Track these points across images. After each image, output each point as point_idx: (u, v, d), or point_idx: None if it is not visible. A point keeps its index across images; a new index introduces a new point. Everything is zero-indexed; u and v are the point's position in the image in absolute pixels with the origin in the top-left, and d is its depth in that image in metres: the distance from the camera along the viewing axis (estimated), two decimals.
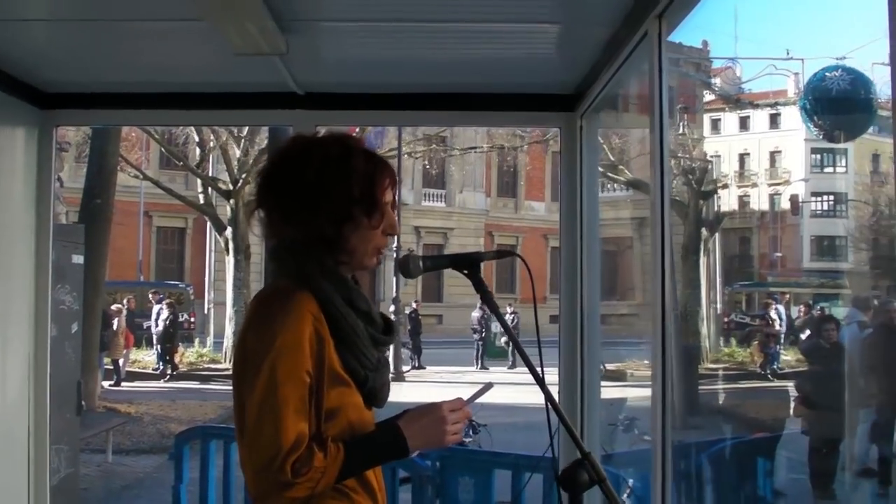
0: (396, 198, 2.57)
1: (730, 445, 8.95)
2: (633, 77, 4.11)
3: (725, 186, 37.75)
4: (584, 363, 4.41)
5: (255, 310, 2.39)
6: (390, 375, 2.61)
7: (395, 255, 26.38)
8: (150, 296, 27.44)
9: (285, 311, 2.31)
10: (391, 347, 2.64)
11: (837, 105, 12.79)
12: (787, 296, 33.04)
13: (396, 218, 2.55)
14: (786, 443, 10.09)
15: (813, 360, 10.83)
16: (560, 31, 3.76)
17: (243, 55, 3.62)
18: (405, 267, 2.48)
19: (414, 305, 30.36)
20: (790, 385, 19.91)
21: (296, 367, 2.28)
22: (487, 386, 2.62)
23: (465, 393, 2.51)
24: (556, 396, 4.48)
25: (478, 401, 2.59)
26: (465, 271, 2.46)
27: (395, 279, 34.83)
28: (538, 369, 2.43)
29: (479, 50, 4.01)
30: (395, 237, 2.60)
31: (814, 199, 54.42)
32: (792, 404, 12.42)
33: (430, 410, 2.45)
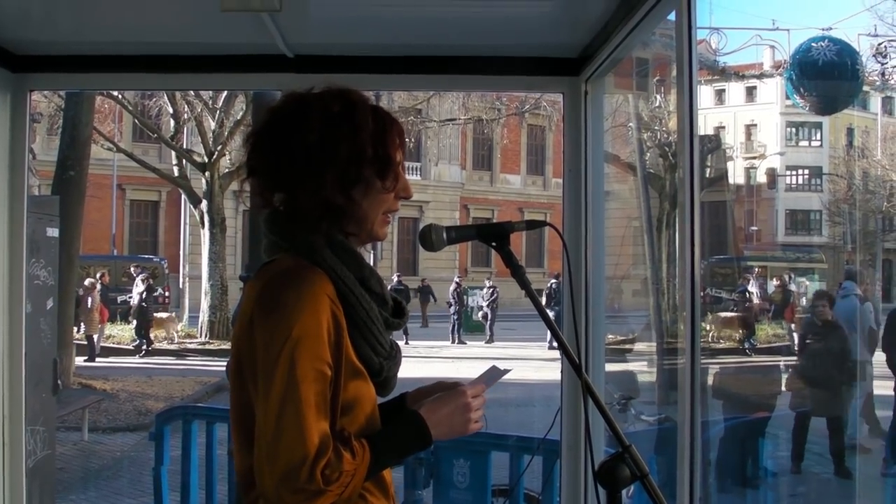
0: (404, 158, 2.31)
1: (721, 427, 8.84)
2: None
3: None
4: (590, 342, 4.19)
5: (262, 293, 2.09)
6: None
7: None
8: (132, 269, 27.10)
9: (300, 295, 2.03)
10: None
11: (824, 76, 12.68)
12: (757, 270, 33.06)
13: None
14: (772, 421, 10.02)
15: (808, 337, 10.73)
16: None
17: (231, 11, 3.37)
18: (427, 239, 2.22)
19: (395, 279, 30.07)
20: (767, 361, 19.94)
21: (316, 360, 2.01)
22: (494, 370, 2.36)
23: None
24: (559, 376, 4.32)
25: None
26: (494, 244, 2.21)
27: (371, 253, 34.60)
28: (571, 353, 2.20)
29: (479, 8, 3.75)
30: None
31: (789, 172, 54.63)
32: (783, 378, 12.38)
33: (453, 398, 2.21)
